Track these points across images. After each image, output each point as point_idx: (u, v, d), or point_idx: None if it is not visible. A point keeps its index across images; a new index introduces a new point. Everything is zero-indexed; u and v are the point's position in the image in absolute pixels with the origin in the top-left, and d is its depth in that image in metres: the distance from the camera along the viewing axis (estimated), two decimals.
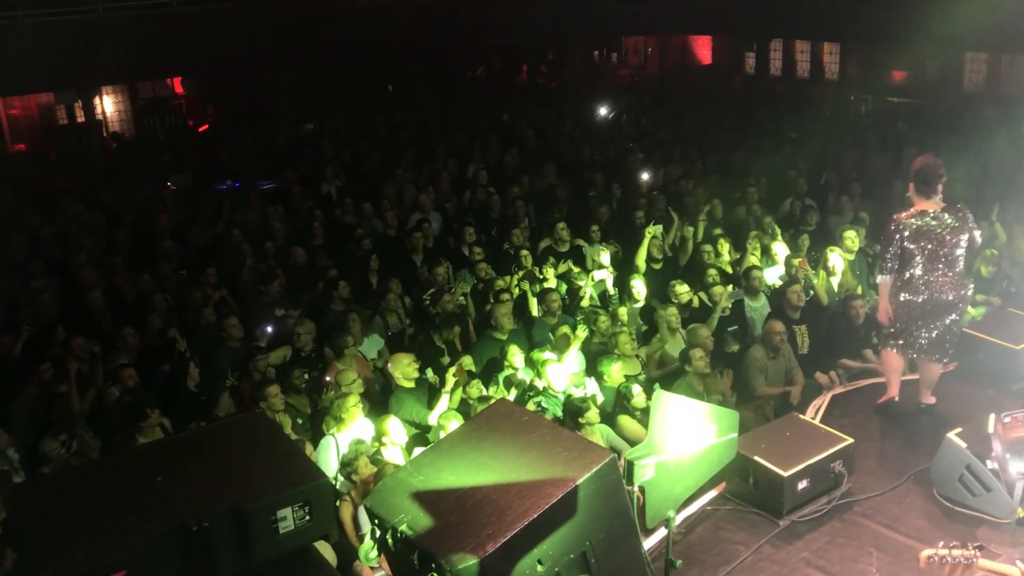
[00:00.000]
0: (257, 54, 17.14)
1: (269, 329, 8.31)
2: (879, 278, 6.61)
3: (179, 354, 7.71)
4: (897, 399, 6.72)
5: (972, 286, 6.58)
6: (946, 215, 6.26)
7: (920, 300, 6.36)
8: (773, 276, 9.40)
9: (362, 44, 18.68)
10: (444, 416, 6.61)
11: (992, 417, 5.27)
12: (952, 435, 5.52)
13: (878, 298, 6.72)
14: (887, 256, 6.42)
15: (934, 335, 6.43)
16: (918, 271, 6.31)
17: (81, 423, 6.93)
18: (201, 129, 19.37)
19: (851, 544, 5.27)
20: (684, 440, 4.28)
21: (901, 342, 6.56)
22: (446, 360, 7.82)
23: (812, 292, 8.74)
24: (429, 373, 7.60)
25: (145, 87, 19.65)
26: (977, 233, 6.44)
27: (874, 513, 5.55)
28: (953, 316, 6.41)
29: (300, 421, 7.11)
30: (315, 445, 6.68)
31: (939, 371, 6.61)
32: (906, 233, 6.28)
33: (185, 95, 20.72)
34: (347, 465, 6.07)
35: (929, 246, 6.25)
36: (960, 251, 6.30)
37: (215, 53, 16.78)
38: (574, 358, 7.59)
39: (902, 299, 6.43)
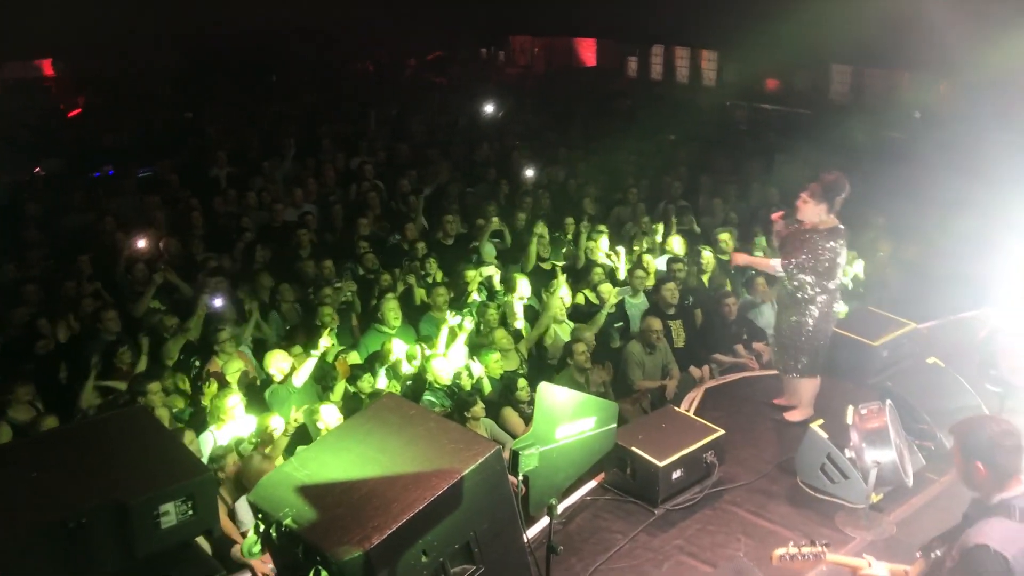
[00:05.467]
0: (134, 36, 16.54)
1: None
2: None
3: (48, 350, 7.46)
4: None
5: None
6: (842, 229, 6.34)
7: (826, 313, 6.42)
8: (661, 265, 9.72)
9: (244, 30, 18.30)
10: (313, 408, 6.66)
11: (851, 409, 5.59)
12: (814, 426, 5.86)
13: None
14: (823, 270, 6.25)
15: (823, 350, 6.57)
16: (831, 285, 6.36)
17: None
18: (72, 113, 18.57)
19: (721, 531, 5.54)
20: (566, 430, 4.43)
21: (812, 364, 6.57)
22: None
23: (691, 297, 9.07)
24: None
25: (12, 67, 18.68)
26: None
27: (743, 501, 5.85)
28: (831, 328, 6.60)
29: (178, 415, 6.98)
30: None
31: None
32: (838, 248, 6.23)
33: (56, 77, 19.81)
34: (214, 461, 6.04)
35: (838, 260, 6.34)
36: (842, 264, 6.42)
37: (88, 34, 16.12)
38: (460, 351, 7.68)
39: (821, 314, 6.37)
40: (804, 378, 6.65)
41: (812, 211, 6.24)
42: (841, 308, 7.71)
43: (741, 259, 7.05)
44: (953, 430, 3.65)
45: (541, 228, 9.89)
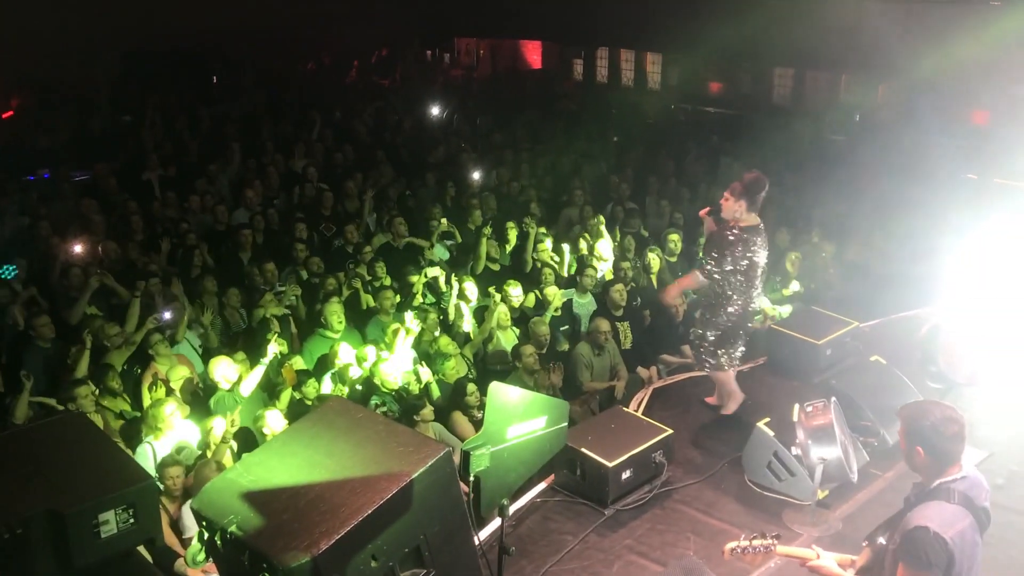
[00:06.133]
0: (70, 37, 16.16)
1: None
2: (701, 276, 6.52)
3: None
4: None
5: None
6: (761, 227, 6.45)
7: (741, 311, 6.51)
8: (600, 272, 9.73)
9: (184, 32, 18.02)
10: (258, 414, 6.54)
11: (796, 407, 5.66)
12: (761, 424, 5.92)
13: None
14: (741, 267, 6.32)
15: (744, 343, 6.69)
16: (753, 283, 6.44)
17: None
18: (5, 115, 18.03)
19: (671, 530, 5.56)
20: (518, 429, 4.41)
21: (729, 356, 6.66)
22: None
23: (639, 298, 9.11)
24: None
25: None
26: None
27: (691, 500, 5.88)
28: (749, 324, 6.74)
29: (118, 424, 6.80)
30: (132, 449, 6.39)
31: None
32: (755, 246, 6.33)
33: None
34: (161, 469, 5.90)
35: (762, 259, 6.46)
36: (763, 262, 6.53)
37: (21, 34, 15.69)
38: (406, 353, 7.60)
39: (732, 310, 6.46)
40: (718, 373, 6.78)
41: (733, 208, 6.35)
42: (784, 309, 7.88)
43: (671, 294, 7.44)
44: (900, 413, 3.71)
45: (488, 230, 9.80)
